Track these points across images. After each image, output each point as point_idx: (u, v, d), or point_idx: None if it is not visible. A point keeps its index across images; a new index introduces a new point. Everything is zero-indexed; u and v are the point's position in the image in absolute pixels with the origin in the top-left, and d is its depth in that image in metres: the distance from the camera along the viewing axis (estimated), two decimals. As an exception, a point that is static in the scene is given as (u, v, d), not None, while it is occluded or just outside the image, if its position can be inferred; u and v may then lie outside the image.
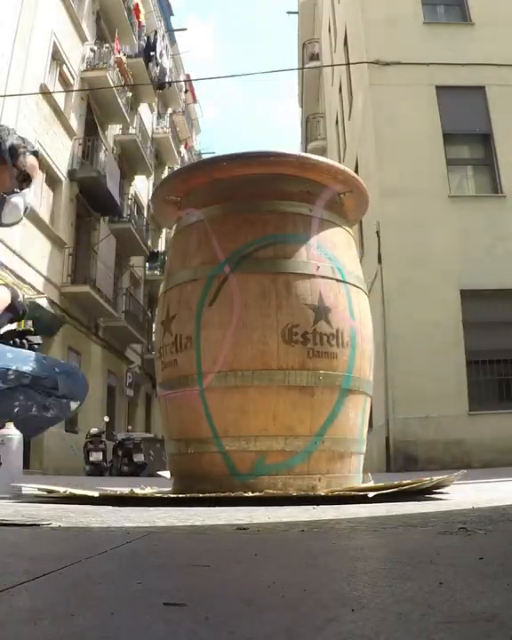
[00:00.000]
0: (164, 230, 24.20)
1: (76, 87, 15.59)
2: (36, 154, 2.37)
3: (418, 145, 10.20)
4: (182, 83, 28.14)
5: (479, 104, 10.41)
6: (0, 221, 2.30)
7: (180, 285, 2.72)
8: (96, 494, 2.00)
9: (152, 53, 21.03)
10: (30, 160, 2.34)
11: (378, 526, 1.41)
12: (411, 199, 9.92)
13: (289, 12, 32.90)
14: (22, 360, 2.14)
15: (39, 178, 2.38)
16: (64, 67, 14.94)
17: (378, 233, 9.94)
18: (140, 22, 20.89)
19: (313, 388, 2.49)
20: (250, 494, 2.11)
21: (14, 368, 2.08)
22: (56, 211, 14.41)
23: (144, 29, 21.48)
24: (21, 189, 2.33)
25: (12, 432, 2.36)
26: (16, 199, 2.25)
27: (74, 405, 2.00)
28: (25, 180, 2.34)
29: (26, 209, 2.35)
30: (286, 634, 0.55)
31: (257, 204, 2.72)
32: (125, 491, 2.48)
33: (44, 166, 13.48)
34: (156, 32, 22.31)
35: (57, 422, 2.08)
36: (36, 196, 13.05)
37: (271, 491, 2.26)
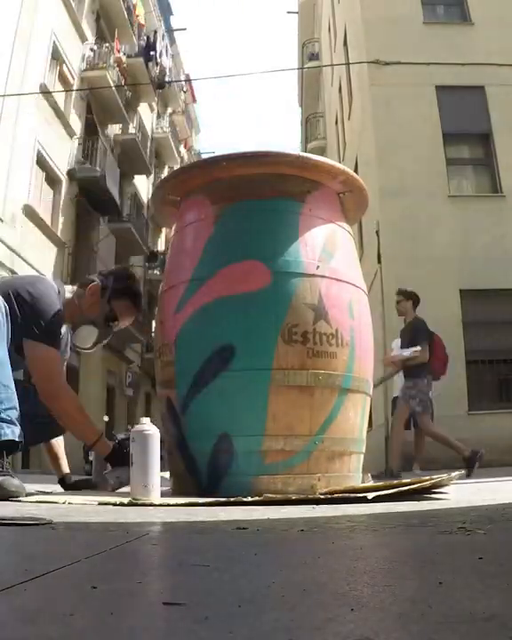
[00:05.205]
0: (163, 230, 24.18)
1: (75, 87, 15.57)
2: (138, 308, 2.63)
3: (418, 145, 10.19)
4: (182, 82, 28.12)
5: (479, 104, 10.40)
6: (75, 342, 2.56)
7: (180, 285, 2.72)
8: (95, 503, 2.00)
9: (152, 53, 21.00)
10: (124, 306, 2.59)
11: (377, 526, 1.41)
12: (410, 199, 9.91)
13: (289, 12, 32.91)
14: None
15: (126, 325, 2.68)
16: (64, 66, 14.91)
17: (377, 233, 9.92)
18: (140, 22, 20.83)
19: (312, 387, 2.49)
20: (249, 499, 2.10)
21: None
22: (56, 211, 14.39)
23: (144, 29, 21.45)
24: (107, 326, 2.57)
25: (148, 428, 2.15)
26: (89, 330, 2.49)
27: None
28: (112, 320, 2.58)
29: (94, 345, 2.58)
30: (286, 634, 0.55)
31: (257, 203, 2.72)
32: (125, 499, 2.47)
33: (45, 166, 13.48)
34: (155, 32, 22.29)
35: None
36: (37, 196, 13.05)
37: (270, 494, 2.25)
